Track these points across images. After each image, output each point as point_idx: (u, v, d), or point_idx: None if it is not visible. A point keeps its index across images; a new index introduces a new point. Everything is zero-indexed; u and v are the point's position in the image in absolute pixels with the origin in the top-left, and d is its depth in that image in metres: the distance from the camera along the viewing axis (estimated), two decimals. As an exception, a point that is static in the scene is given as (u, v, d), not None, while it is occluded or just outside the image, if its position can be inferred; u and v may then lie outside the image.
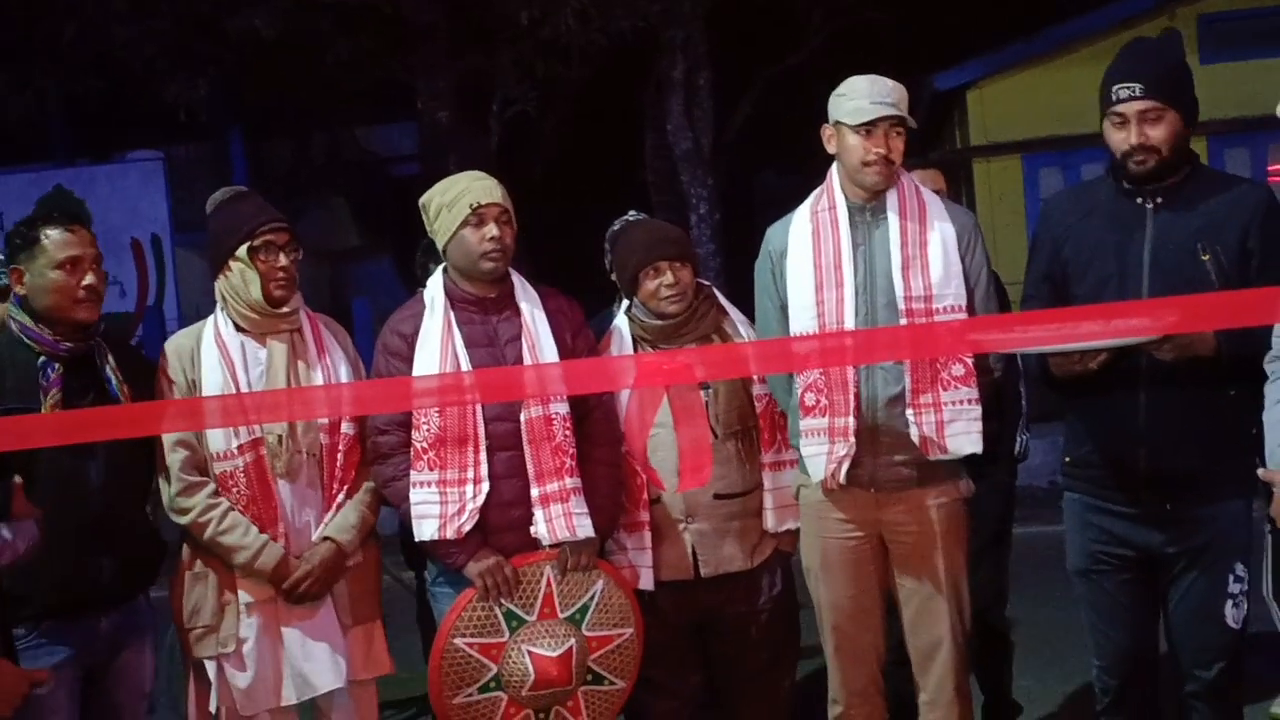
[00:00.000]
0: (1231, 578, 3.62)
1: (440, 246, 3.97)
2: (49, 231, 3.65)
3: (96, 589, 3.64)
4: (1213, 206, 3.58)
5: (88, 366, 3.68)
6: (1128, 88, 3.55)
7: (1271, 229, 3.57)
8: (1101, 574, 3.75)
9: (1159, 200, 3.61)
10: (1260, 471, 3.16)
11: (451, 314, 3.90)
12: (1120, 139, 3.58)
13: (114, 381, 3.68)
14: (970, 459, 3.89)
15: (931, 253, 3.83)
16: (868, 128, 3.81)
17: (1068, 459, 3.82)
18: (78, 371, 3.65)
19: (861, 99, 3.82)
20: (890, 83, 3.85)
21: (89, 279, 3.65)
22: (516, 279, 4.00)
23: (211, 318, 3.90)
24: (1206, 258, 3.52)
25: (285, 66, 13.23)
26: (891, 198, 3.89)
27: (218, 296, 3.90)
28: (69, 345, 3.65)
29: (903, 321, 3.79)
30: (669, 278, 4.04)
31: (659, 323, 4.09)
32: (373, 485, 3.91)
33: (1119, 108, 3.57)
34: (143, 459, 3.78)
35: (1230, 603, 3.62)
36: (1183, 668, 3.75)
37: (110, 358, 3.72)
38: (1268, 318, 3.09)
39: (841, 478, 3.81)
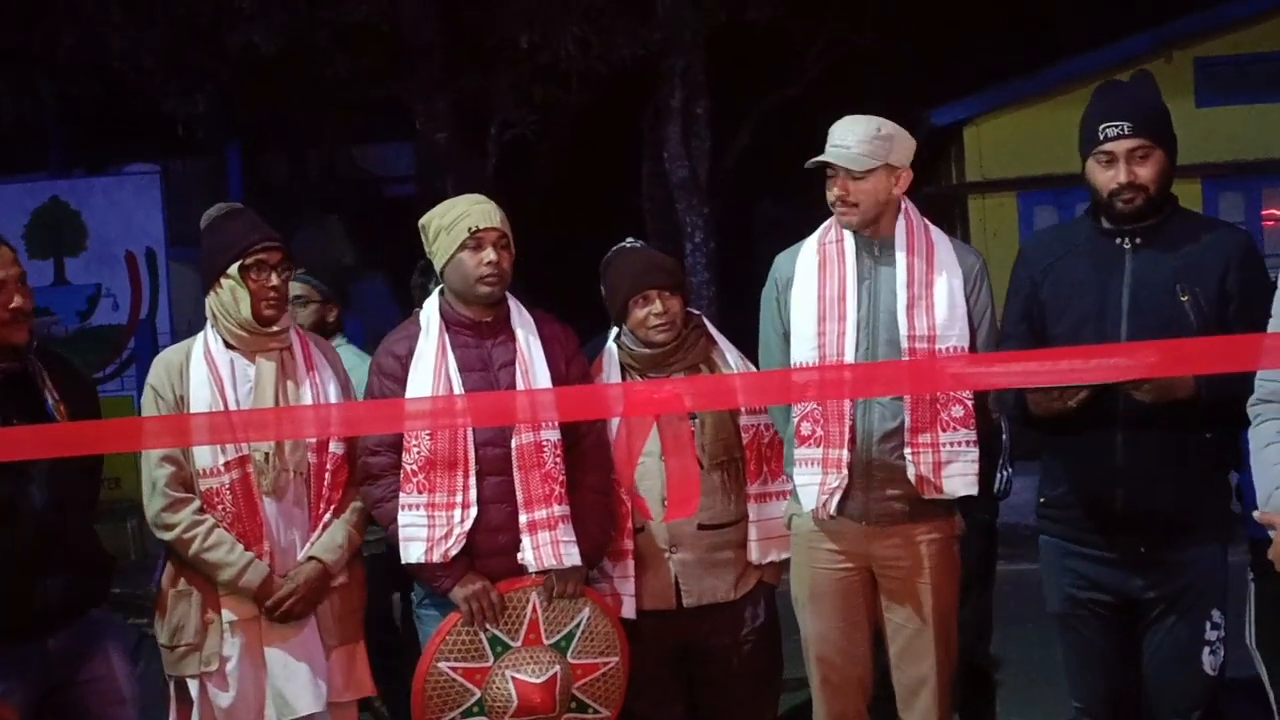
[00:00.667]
0: (1209, 624, 3.60)
1: (438, 269, 3.97)
2: None
3: (44, 610, 3.55)
4: (1192, 248, 3.58)
5: (25, 385, 3.59)
6: (1116, 126, 3.55)
7: (1250, 273, 3.57)
8: (1079, 618, 3.73)
9: (1138, 240, 3.61)
10: (1256, 514, 3.14)
11: (446, 337, 3.90)
12: (1108, 178, 3.58)
13: (50, 401, 3.59)
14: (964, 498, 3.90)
15: (937, 293, 3.84)
16: (831, 170, 3.84)
17: (1043, 499, 3.81)
18: (14, 391, 3.56)
19: (827, 142, 3.86)
20: (862, 126, 3.84)
21: (15, 301, 3.54)
22: (513, 304, 4.00)
23: (201, 334, 3.89)
24: (1185, 299, 3.52)
25: (283, 83, 13.24)
26: (900, 234, 3.90)
27: (208, 313, 3.89)
28: (3, 366, 3.56)
29: (905, 359, 3.79)
30: (658, 307, 4.04)
31: (647, 351, 4.09)
32: (359, 505, 3.89)
33: (1107, 146, 3.56)
34: (86, 477, 3.70)
35: (1208, 650, 3.61)
36: (1160, 716, 3.73)
37: (47, 377, 3.62)
38: (1249, 364, 3.09)
39: (832, 509, 3.81)
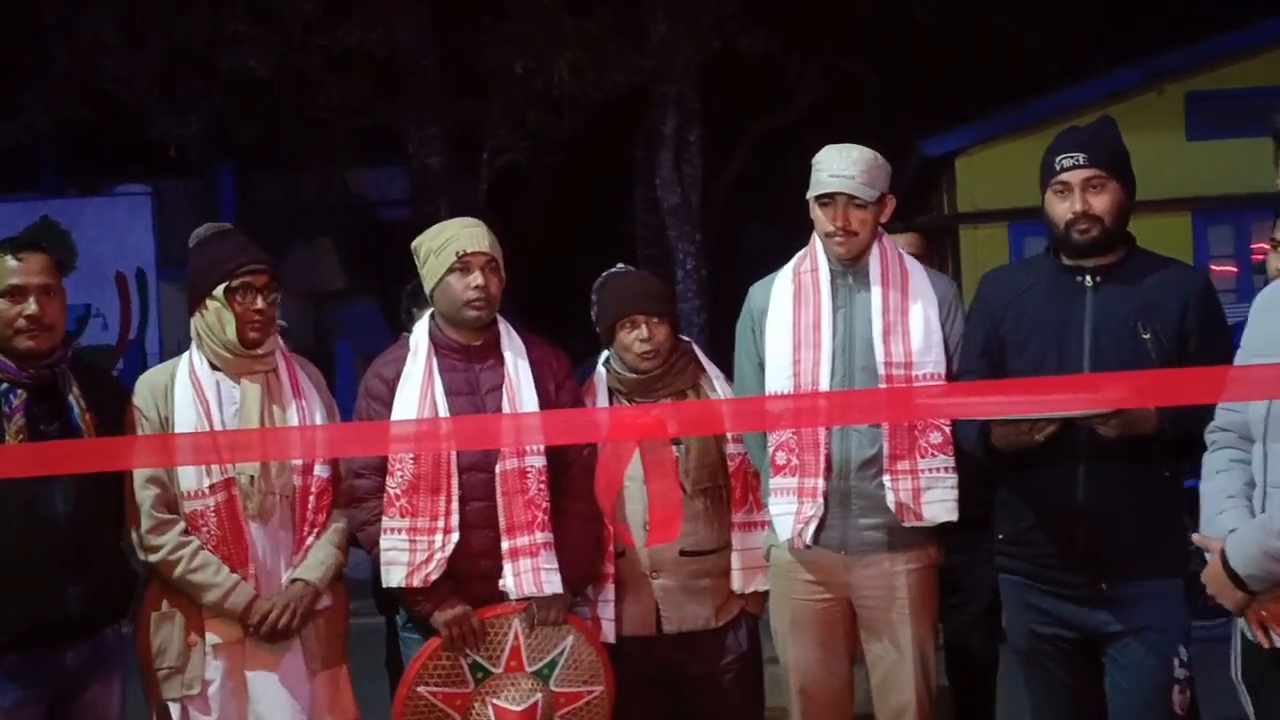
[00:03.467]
0: (1176, 662, 3.58)
1: (427, 291, 3.96)
2: None
3: (62, 620, 3.57)
4: (1151, 286, 3.60)
5: (52, 394, 3.64)
6: (1071, 157, 3.58)
7: (1207, 312, 3.59)
8: (1043, 654, 3.71)
9: (1098, 279, 3.62)
10: (1194, 537, 3.16)
11: (434, 360, 3.89)
12: (1064, 209, 3.60)
13: (76, 410, 3.63)
14: (958, 527, 3.88)
15: (913, 320, 3.85)
16: (826, 200, 3.84)
17: (1001, 536, 3.79)
18: (42, 399, 3.61)
19: (823, 172, 3.86)
20: (857, 155, 3.86)
21: (30, 308, 3.57)
22: (503, 327, 3.99)
23: (186, 355, 3.87)
24: (1147, 336, 3.54)
25: (277, 106, 13.26)
26: (874, 264, 3.91)
27: (193, 334, 3.88)
28: (31, 372, 3.60)
29: (881, 387, 3.79)
30: (644, 332, 4.03)
31: (633, 376, 4.08)
32: (341, 525, 3.87)
33: (1062, 176, 3.59)
34: (113, 486, 3.72)
35: (1176, 689, 3.59)
36: None
37: (75, 386, 3.66)
38: (1212, 396, 3.11)
39: (808, 539, 3.80)
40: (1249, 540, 2.95)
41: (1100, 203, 3.57)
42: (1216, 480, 3.14)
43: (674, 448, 4.01)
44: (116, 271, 13.57)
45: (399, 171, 16.02)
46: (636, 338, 4.03)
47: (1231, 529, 3.01)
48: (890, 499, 3.79)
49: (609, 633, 3.99)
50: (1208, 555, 3.08)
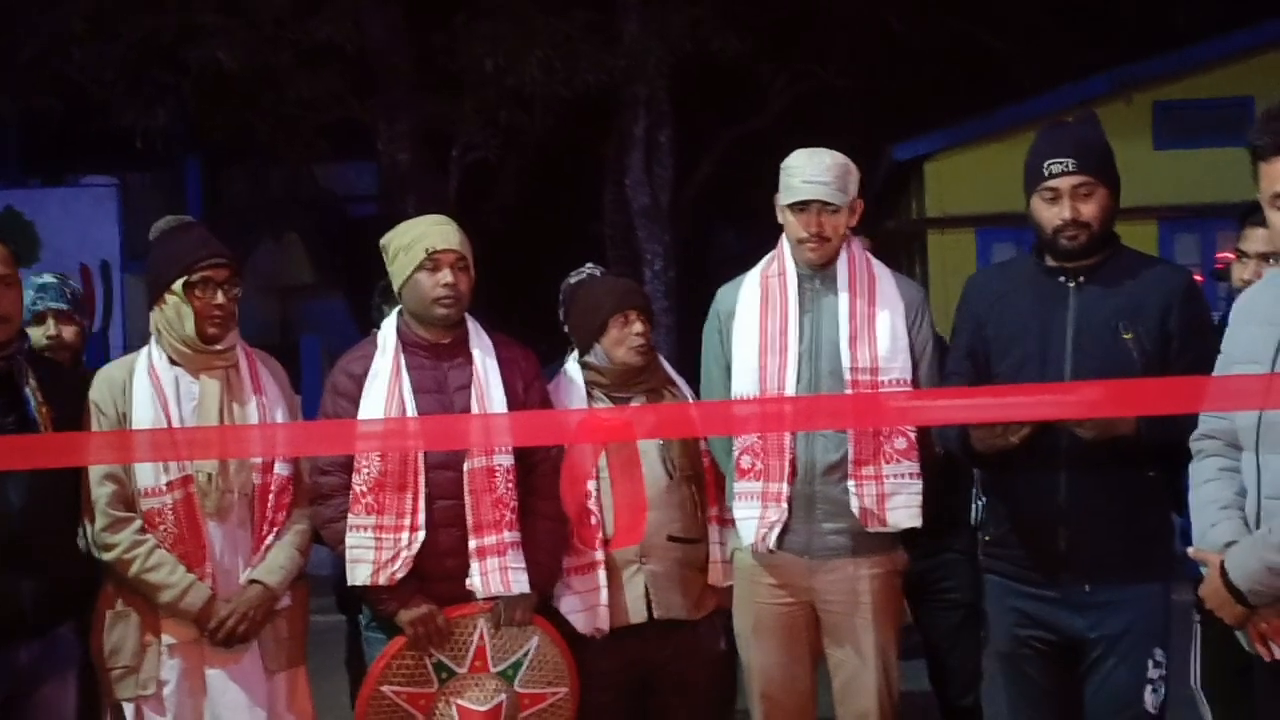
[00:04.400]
0: (1151, 663, 3.59)
1: (396, 289, 3.94)
2: None
3: (16, 617, 3.52)
4: (1135, 286, 3.60)
5: (8, 386, 3.58)
6: (1060, 163, 3.56)
7: (1191, 312, 3.59)
8: (1023, 657, 3.71)
9: (1081, 279, 3.62)
10: (1190, 550, 3.16)
11: (402, 357, 3.87)
12: (1052, 215, 3.59)
13: (33, 403, 3.58)
14: (932, 532, 3.88)
15: (879, 325, 3.86)
16: (800, 206, 3.84)
17: (986, 538, 3.81)
18: None
19: (795, 177, 3.87)
20: (829, 160, 3.87)
21: None
22: (472, 326, 3.97)
23: (145, 349, 3.82)
24: (1128, 336, 3.54)
25: (245, 100, 13.18)
26: (842, 268, 3.92)
27: (152, 328, 3.82)
28: None
29: (848, 392, 3.79)
30: (638, 327, 4.05)
31: (621, 367, 4.06)
32: (302, 526, 3.84)
33: (1052, 183, 3.58)
34: (69, 482, 3.66)
35: (1149, 688, 3.60)
36: None
37: (31, 378, 3.61)
38: (1191, 406, 3.11)
39: (771, 543, 3.81)
40: (1249, 555, 2.93)
41: (1089, 209, 3.57)
42: (1206, 490, 3.13)
43: (637, 449, 4.00)
44: (81, 264, 13.46)
45: (368, 167, 15.94)
46: (631, 331, 4.04)
47: (1229, 542, 2.99)
48: (855, 504, 3.79)
49: (604, 620, 3.96)
50: (1203, 569, 3.08)
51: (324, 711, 4.03)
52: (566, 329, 4.75)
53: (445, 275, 3.82)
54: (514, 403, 3.87)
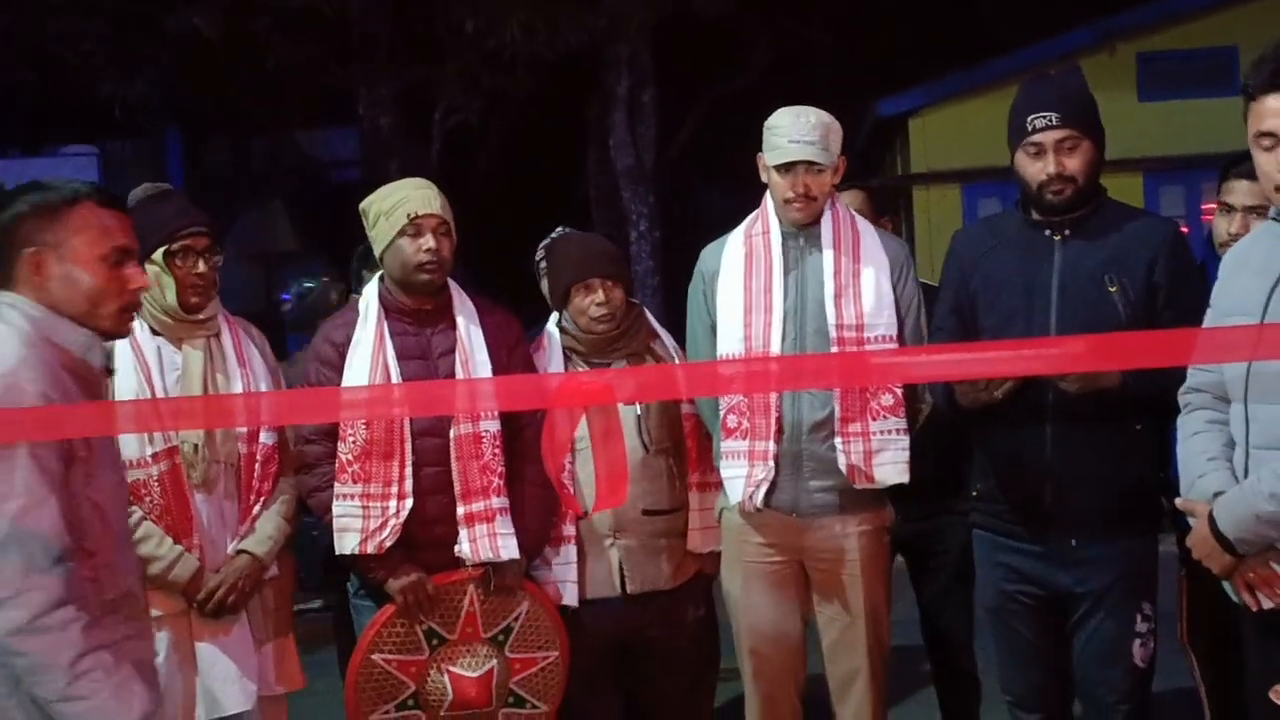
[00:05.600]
0: (1139, 617, 3.61)
1: (377, 254, 3.92)
2: None
3: None
4: (1120, 239, 3.59)
5: None
6: (1044, 117, 3.54)
7: (1177, 264, 3.59)
8: (1011, 612, 3.72)
9: (1067, 232, 3.61)
10: (1178, 501, 3.16)
11: (385, 324, 3.84)
12: (1037, 169, 3.58)
13: None
14: (925, 492, 3.88)
15: (864, 282, 3.85)
16: (786, 167, 3.82)
17: (975, 493, 3.81)
18: None
19: (781, 138, 3.84)
20: (815, 118, 3.85)
21: None
22: (455, 291, 3.94)
23: None
24: (1114, 289, 3.53)
25: (225, 67, 13.09)
26: (826, 225, 3.91)
27: None
28: None
29: (833, 349, 3.78)
30: (600, 295, 3.99)
31: (589, 337, 4.04)
32: (288, 496, 3.82)
33: (1035, 137, 3.56)
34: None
35: (1138, 642, 3.61)
36: (1089, 709, 3.74)
37: None
38: (1179, 359, 3.09)
39: (759, 501, 3.80)
40: (1238, 504, 2.92)
41: (1074, 163, 3.55)
42: (1194, 442, 3.12)
43: (634, 406, 3.99)
44: (62, 235, 13.35)
45: (350, 133, 15.85)
46: (592, 301, 3.99)
47: (1217, 492, 2.99)
48: (842, 461, 3.79)
49: (572, 596, 3.96)
50: (1191, 520, 3.08)
51: (313, 680, 4.03)
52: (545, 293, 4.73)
53: (428, 240, 3.79)
54: (498, 367, 3.85)
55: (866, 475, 3.79)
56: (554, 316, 4.19)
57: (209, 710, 3.69)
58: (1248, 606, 2.99)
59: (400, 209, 3.80)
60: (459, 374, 3.81)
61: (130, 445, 3.63)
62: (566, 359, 4.07)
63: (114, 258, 2.85)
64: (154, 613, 3.63)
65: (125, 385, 3.65)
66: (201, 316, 3.76)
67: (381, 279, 3.93)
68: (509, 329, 3.98)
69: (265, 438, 3.76)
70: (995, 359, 2.82)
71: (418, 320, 3.87)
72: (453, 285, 3.94)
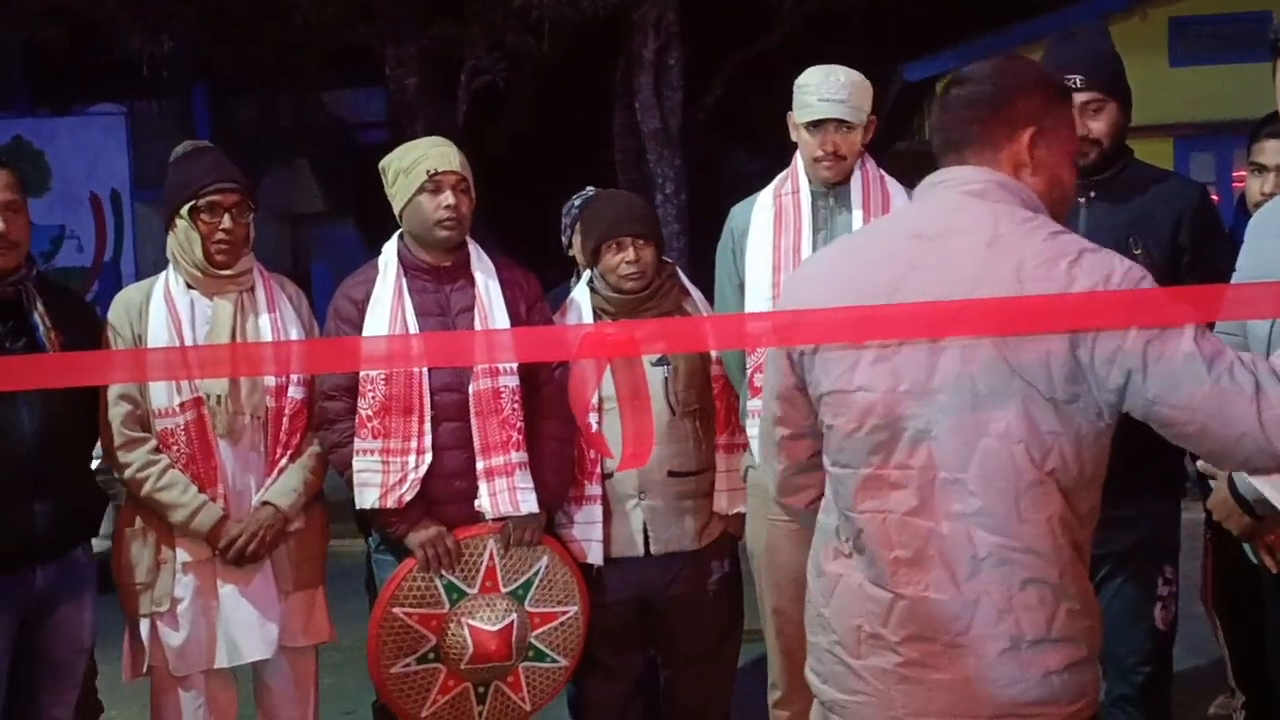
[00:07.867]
0: (1161, 580, 3.60)
1: (396, 211, 3.92)
2: None
3: (31, 539, 3.54)
4: (1145, 201, 3.56)
5: (16, 311, 3.59)
6: (1068, 79, 3.52)
7: (1203, 226, 3.56)
8: None
9: (1091, 194, 3.59)
10: (1199, 463, 3.14)
11: (404, 281, 3.85)
12: None
13: (41, 328, 3.58)
14: None
15: None
16: (815, 125, 3.81)
17: None
18: (6, 316, 3.56)
19: (811, 96, 3.83)
20: (845, 77, 3.83)
21: None
22: (473, 248, 3.94)
23: (164, 274, 3.84)
24: (1139, 251, 3.50)
25: (252, 26, 13.07)
26: (856, 186, 3.90)
27: (168, 253, 3.84)
28: None
29: None
30: (630, 254, 3.98)
31: (619, 296, 4.04)
32: (317, 450, 3.86)
33: None
34: (81, 406, 3.69)
35: (1159, 605, 3.61)
36: (1110, 672, 3.74)
37: (40, 304, 3.61)
38: (1205, 316, 3.06)
39: None
40: None
41: (1099, 126, 3.53)
42: None
43: (662, 368, 3.99)
44: (91, 193, 13.40)
45: (377, 93, 15.87)
46: (623, 259, 3.98)
47: None
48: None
49: (597, 555, 3.96)
50: (1212, 482, 3.07)
51: (344, 634, 4.06)
52: (571, 253, 4.72)
53: (447, 197, 3.79)
54: (517, 325, 3.85)
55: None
56: (584, 277, 4.19)
57: (230, 657, 3.74)
58: (1268, 569, 2.98)
59: (419, 166, 3.81)
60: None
61: (159, 394, 3.68)
62: (596, 318, 4.06)
63: None
64: (180, 558, 3.71)
65: (157, 335, 3.71)
66: (233, 271, 3.79)
67: (401, 236, 3.94)
68: (528, 286, 3.98)
69: (294, 392, 3.79)
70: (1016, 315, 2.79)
71: (436, 277, 3.88)
72: (471, 243, 3.94)
